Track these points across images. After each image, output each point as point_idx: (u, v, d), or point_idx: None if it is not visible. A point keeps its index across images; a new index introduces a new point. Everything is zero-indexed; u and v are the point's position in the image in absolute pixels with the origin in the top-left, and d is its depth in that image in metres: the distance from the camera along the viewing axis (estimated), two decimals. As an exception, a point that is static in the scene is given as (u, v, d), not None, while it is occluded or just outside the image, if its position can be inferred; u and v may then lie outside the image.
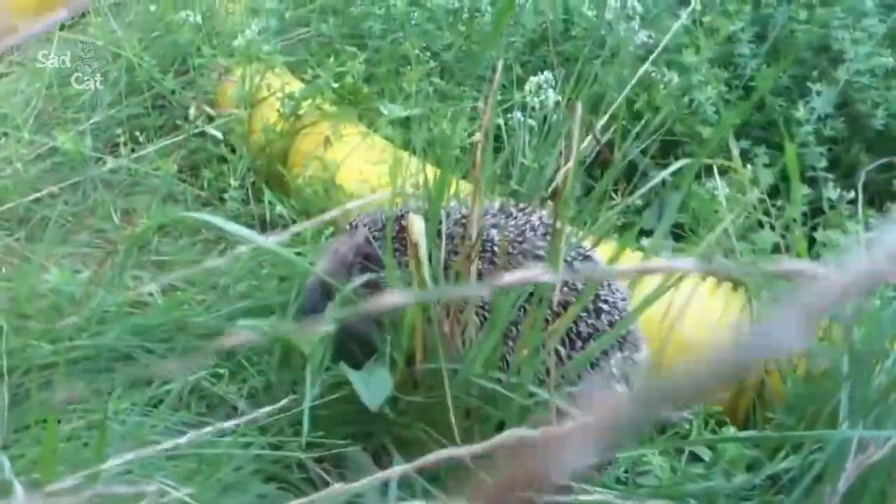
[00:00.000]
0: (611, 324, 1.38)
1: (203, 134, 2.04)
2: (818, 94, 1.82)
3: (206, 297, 1.59)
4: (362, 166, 1.85)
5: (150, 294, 1.58)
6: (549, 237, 1.40)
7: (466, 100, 2.01)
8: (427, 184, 1.57)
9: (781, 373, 1.47)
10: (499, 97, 2.02)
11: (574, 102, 1.25)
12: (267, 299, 1.55)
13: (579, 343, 1.33)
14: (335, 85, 1.95)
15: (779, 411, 1.41)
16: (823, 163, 1.80)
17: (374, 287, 1.30)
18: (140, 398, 1.34)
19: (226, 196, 1.95)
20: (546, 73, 1.75)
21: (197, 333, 1.47)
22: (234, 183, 1.92)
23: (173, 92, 2.10)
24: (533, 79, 1.74)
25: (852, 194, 1.71)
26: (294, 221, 1.87)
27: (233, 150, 2.02)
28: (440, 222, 1.27)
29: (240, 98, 2.03)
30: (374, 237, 1.39)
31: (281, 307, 1.52)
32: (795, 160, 1.50)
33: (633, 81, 1.83)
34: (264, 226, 1.92)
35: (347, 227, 1.47)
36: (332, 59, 1.95)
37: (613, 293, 1.39)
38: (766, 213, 1.76)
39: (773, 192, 1.82)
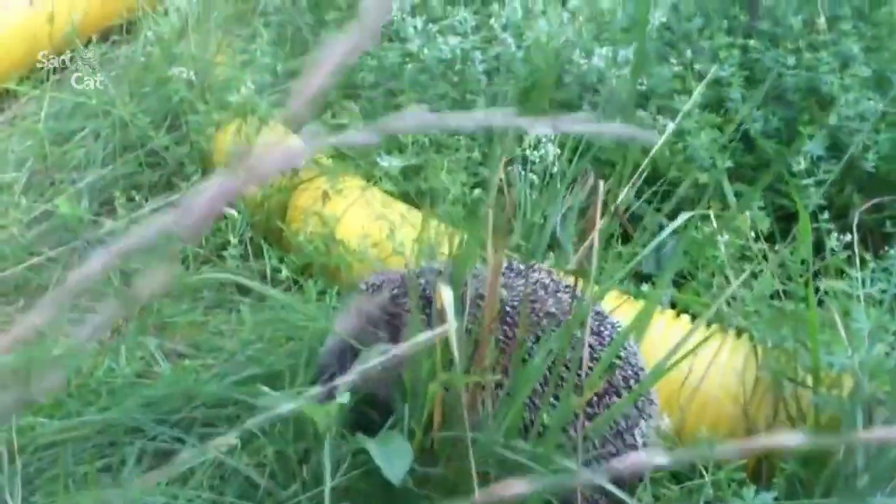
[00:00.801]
0: (624, 379, 1.39)
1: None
2: (810, 137, 1.85)
3: (214, 363, 1.58)
4: (363, 221, 1.86)
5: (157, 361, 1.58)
6: (560, 295, 1.41)
7: (461, 150, 2.02)
8: (450, 248, 1.59)
9: (793, 422, 1.49)
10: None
11: (587, 171, 1.26)
12: (276, 364, 1.54)
13: (595, 399, 1.33)
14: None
15: (791, 462, 1.42)
16: (817, 200, 1.84)
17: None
18: (156, 475, 1.32)
19: (225, 253, 1.95)
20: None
21: (209, 404, 1.46)
22: (233, 240, 1.91)
23: (167, 148, 2.09)
24: (532, 132, 1.75)
25: (848, 237, 1.75)
26: (295, 279, 1.86)
27: (230, 205, 2.02)
28: (464, 288, 1.27)
29: (235, 155, 2.02)
30: (395, 296, 1.38)
31: (291, 371, 1.52)
32: (801, 203, 1.53)
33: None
34: (265, 283, 1.91)
35: (364, 287, 1.46)
36: (328, 112, 1.95)
37: (625, 347, 1.40)
38: (765, 258, 1.78)
39: (769, 235, 1.85)
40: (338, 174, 1.94)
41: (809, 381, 1.48)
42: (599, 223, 1.13)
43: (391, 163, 1.97)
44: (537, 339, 1.30)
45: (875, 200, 1.85)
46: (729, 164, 1.92)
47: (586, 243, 1.15)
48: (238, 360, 1.56)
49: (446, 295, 1.07)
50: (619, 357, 1.38)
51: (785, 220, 1.94)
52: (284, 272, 1.85)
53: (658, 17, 1.96)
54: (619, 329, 1.41)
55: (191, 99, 2.06)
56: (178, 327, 1.70)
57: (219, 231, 2.01)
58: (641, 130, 0.47)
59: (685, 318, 1.69)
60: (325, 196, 1.92)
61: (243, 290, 1.94)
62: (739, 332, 1.67)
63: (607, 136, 1.95)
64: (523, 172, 1.73)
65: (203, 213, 0.43)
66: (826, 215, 1.85)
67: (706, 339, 1.44)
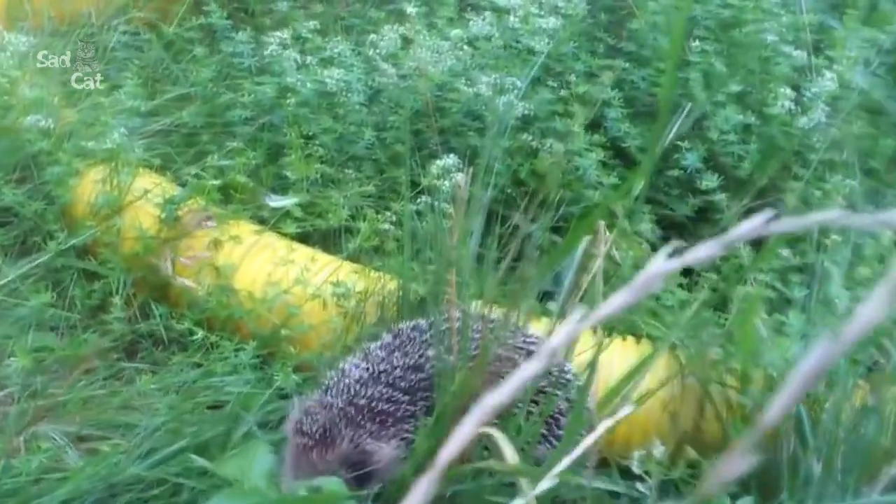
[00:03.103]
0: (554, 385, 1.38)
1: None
2: (687, 150, 1.96)
3: (127, 443, 1.42)
4: (265, 267, 1.74)
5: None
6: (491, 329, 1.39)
7: (351, 183, 1.96)
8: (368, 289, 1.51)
9: (721, 420, 1.55)
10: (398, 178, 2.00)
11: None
12: (201, 433, 1.40)
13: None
14: (216, 182, 1.82)
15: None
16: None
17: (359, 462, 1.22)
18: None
19: (105, 317, 1.76)
20: (452, 156, 1.74)
21: (135, 490, 1.30)
22: (116, 301, 1.73)
23: (21, 205, 1.86)
24: (438, 162, 1.73)
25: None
26: (191, 336, 1.71)
27: (103, 264, 1.83)
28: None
29: (106, 204, 1.84)
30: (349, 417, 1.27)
31: (221, 442, 1.39)
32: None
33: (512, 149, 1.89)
34: (161, 344, 1.75)
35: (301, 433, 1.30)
36: (214, 155, 1.82)
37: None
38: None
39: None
40: (227, 220, 1.81)
41: (733, 381, 1.56)
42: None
43: (284, 203, 1.87)
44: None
45: (747, 205, 1.99)
46: (614, 179, 2.00)
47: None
48: (156, 435, 1.40)
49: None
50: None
51: (668, 228, 2.04)
52: (181, 330, 1.70)
53: (541, 43, 2.00)
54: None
55: (47, 149, 1.85)
56: (74, 407, 1.51)
57: (92, 293, 1.81)
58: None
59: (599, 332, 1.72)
60: (217, 244, 1.79)
61: (132, 356, 1.76)
62: (653, 341, 1.73)
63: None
64: (434, 203, 1.70)
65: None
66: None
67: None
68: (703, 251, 0.45)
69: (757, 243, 1.97)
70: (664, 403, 1.60)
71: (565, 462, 0.50)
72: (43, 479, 1.30)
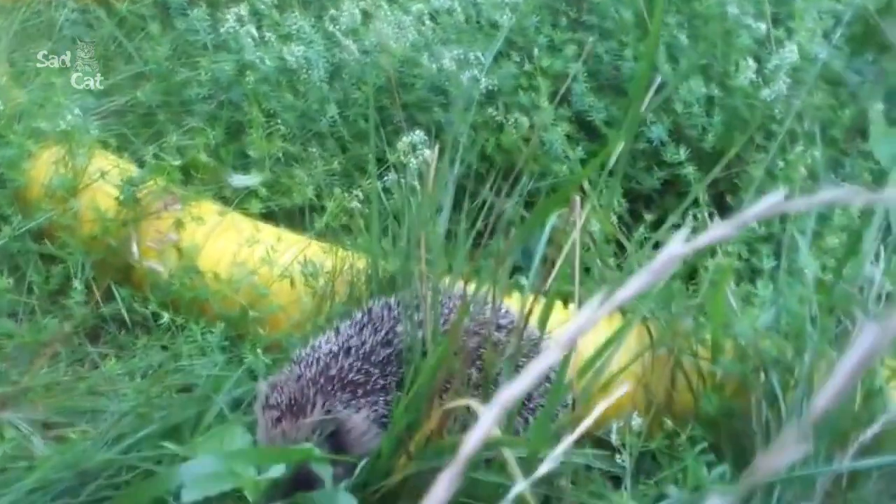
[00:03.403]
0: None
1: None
2: (652, 123, 1.96)
3: (95, 429, 1.38)
4: (230, 248, 1.71)
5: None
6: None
7: (315, 160, 1.92)
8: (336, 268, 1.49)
9: (693, 390, 1.57)
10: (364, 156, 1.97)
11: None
12: (172, 418, 1.37)
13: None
14: (176, 162, 1.78)
15: (695, 427, 1.49)
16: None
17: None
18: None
19: (63, 301, 1.71)
20: (418, 131, 1.72)
21: (105, 476, 1.27)
22: (77, 285, 1.68)
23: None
24: (405, 138, 1.70)
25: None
26: (156, 319, 1.67)
27: (61, 247, 1.77)
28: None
29: (62, 186, 1.78)
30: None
31: (192, 426, 1.36)
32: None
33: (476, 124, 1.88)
34: (125, 328, 1.70)
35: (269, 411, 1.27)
36: (173, 135, 1.77)
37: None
38: (628, 240, 1.86)
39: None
40: (189, 201, 1.77)
41: (704, 352, 1.58)
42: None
43: (247, 182, 1.83)
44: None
45: (713, 176, 2.01)
46: (581, 154, 1.99)
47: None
48: (124, 421, 1.37)
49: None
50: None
51: (634, 201, 2.05)
52: (145, 313, 1.66)
53: (503, 17, 1.98)
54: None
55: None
56: (38, 394, 1.47)
57: (50, 277, 1.76)
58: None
59: (571, 306, 1.72)
60: (179, 225, 1.75)
61: (95, 340, 1.72)
62: (624, 313, 1.74)
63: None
64: (402, 179, 1.67)
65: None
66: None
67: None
68: (717, 231, 0.44)
69: (721, 212, 1.99)
70: (636, 376, 1.61)
71: (576, 433, 0.49)
72: (8, 469, 1.26)
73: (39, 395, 1.46)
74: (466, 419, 1.17)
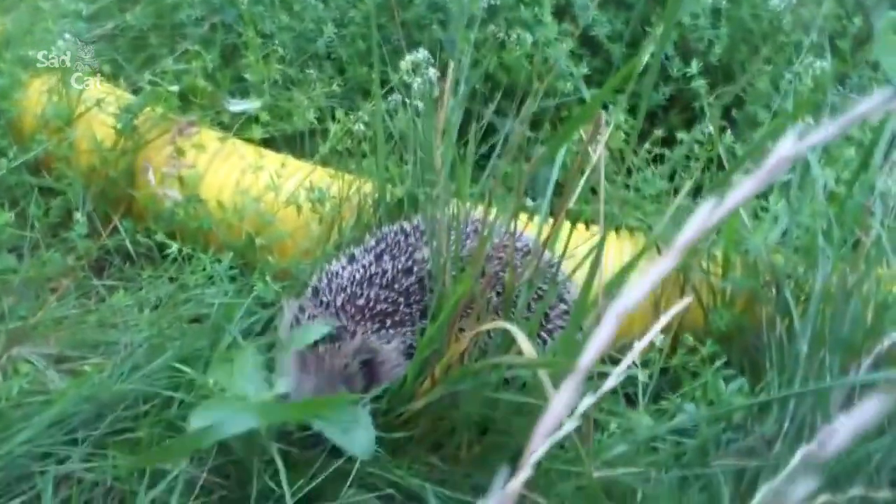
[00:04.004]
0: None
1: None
2: (655, 35, 1.91)
3: (108, 361, 1.38)
4: (233, 175, 1.68)
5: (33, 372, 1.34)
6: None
7: (314, 83, 1.87)
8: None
9: (704, 306, 1.57)
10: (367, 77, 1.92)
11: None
12: (185, 347, 1.36)
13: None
14: (174, 88, 1.73)
15: (708, 343, 1.50)
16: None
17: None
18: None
19: (65, 234, 1.68)
20: (422, 50, 1.67)
21: (122, 407, 1.27)
22: (78, 217, 1.65)
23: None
24: (409, 57, 1.66)
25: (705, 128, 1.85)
26: (161, 250, 1.66)
27: (59, 179, 1.74)
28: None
29: (56, 115, 1.73)
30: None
31: (206, 354, 1.35)
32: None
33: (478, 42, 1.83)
34: (129, 260, 1.68)
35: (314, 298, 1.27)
36: (168, 59, 1.72)
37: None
38: (635, 154, 1.84)
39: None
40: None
41: (715, 269, 1.57)
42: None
43: (245, 107, 1.79)
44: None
45: (719, 91, 1.97)
46: (585, 70, 1.95)
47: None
48: (137, 352, 1.36)
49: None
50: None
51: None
52: (149, 244, 1.64)
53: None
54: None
55: (-15, 59, 1.72)
56: (48, 328, 1.46)
57: (49, 210, 1.73)
58: None
59: (580, 226, 1.71)
60: (180, 152, 1.71)
61: (100, 273, 1.70)
62: (632, 232, 1.73)
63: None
64: (406, 100, 1.63)
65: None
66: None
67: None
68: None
69: (722, 129, 1.96)
70: (649, 295, 1.60)
71: (636, 350, 0.48)
72: (26, 404, 1.26)
73: (50, 329, 1.45)
74: (485, 343, 1.17)
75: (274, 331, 1.44)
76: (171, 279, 1.57)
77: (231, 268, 1.55)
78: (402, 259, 1.26)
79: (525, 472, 0.50)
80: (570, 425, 0.47)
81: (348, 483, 1.09)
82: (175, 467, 1.17)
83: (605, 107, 2.02)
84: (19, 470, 1.20)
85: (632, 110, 1.98)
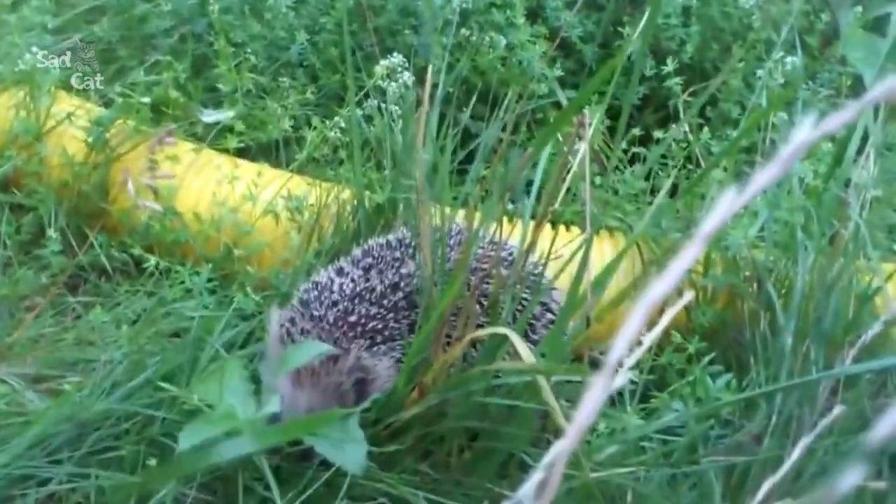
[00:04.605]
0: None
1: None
2: (628, 36, 1.92)
3: (86, 379, 1.35)
4: (209, 186, 1.66)
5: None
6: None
7: (287, 91, 1.86)
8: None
9: (688, 308, 1.57)
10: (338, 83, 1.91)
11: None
12: (166, 363, 1.34)
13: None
14: (145, 100, 1.70)
15: (695, 340, 1.50)
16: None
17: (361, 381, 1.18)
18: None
19: (37, 251, 1.65)
20: (397, 55, 1.66)
21: (104, 426, 1.25)
22: (52, 233, 1.62)
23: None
24: (383, 62, 1.65)
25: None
26: (137, 265, 1.63)
27: (29, 195, 1.71)
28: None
29: (26, 131, 1.70)
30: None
31: (187, 370, 1.33)
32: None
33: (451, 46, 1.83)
34: (104, 275, 1.66)
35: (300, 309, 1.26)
36: (138, 70, 1.69)
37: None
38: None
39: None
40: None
41: (696, 266, 1.58)
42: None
43: (219, 117, 1.77)
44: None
45: (693, 88, 1.98)
46: (559, 72, 1.95)
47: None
48: (117, 370, 1.34)
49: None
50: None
51: (614, 118, 2.02)
52: (124, 259, 1.61)
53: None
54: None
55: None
56: (23, 348, 1.42)
57: (20, 227, 1.70)
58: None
59: (560, 228, 1.71)
60: (154, 164, 1.69)
61: (74, 290, 1.67)
62: (611, 232, 1.73)
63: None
64: (382, 105, 1.62)
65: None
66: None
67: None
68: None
69: (700, 127, 1.97)
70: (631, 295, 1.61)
71: (655, 335, 0.47)
72: (5, 425, 1.23)
73: (26, 349, 1.42)
74: (470, 354, 1.16)
75: (257, 342, 1.42)
76: (149, 294, 1.55)
77: (210, 280, 1.52)
78: (389, 274, 1.25)
79: (539, 475, 0.49)
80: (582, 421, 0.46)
81: (340, 496, 1.08)
82: (163, 486, 1.15)
83: (581, 108, 2.03)
84: (0, 493, 1.17)
85: (606, 111, 1.99)
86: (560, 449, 0.42)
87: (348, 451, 1.08)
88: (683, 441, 1.22)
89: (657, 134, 1.83)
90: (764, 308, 1.40)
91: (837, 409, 0.81)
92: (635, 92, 1.91)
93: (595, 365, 1.49)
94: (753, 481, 1.18)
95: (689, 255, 0.40)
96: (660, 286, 0.40)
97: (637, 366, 1.28)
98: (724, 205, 0.41)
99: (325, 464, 1.10)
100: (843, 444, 1.14)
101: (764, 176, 0.41)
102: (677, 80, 1.86)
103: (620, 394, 1.35)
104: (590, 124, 1.76)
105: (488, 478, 1.15)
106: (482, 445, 1.16)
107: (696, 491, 1.23)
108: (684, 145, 1.80)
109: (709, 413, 1.20)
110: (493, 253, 1.24)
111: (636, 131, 1.78)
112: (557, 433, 1.22)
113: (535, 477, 0.49)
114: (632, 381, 1.24)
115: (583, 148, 1.13)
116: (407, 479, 1.15)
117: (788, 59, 1.88)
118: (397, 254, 1.28)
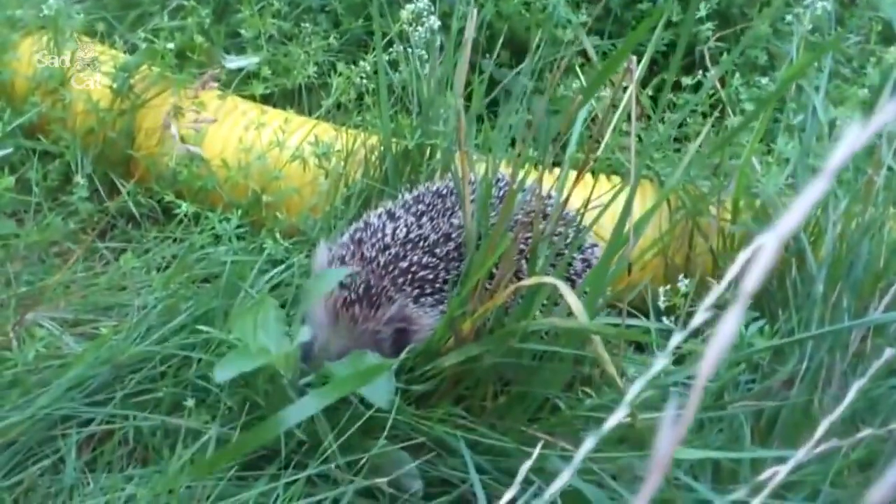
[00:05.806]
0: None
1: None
2: (657, -19, 1.89)
3: (121, 322, 1.37)
4: (236, 132, 1.65)
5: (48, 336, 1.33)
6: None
7: (310, 37, 1.84)
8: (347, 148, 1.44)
9: (714, 251, 1.57)
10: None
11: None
12: (199, 307, 1.35)
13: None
14: (170, 46, 1.69)
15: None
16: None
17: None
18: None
19: (67, 198, 1.65)
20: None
21: (139, 369, 1.26)
22: (79, 179, 1.63)
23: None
24: (409, 6, 1.62)
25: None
26: (164, 209, 1.64)
27: (55, 141, 1.71)
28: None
29: (49, 77, 1.69)
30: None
31: (220, 314, 1.34)
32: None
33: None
34: (132, 221, 1.66)
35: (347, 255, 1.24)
36: (161, 15, 1.67)
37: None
38: (638, 102, 1.82)
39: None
40: (185, 85, 1.69)
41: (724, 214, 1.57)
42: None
43: (243, 63, 1.75)
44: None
45: (720, 34, 1.95)
46: (584, 18, 1.93)
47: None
48: (151, 314, 1.35)
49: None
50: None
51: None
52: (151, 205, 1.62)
53: None
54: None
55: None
56: (56, 293, 1.44)
57: (48, 174, 1.70)
58: None
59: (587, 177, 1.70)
60: (178, 112, 1.68)
61: (103, 235, 1.68)
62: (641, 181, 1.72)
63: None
64: (409, 50, 1.61)
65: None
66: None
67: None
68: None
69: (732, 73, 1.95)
70: (655, 243, 1.60)
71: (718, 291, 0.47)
72: (43, 368, 1.25)
73: (60, 294, 1.43)
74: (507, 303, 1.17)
75: (286, 287, 1.43)
76: (177, 240, 1.56)
77: (239, 226, 1.53)
78: (441, 223, 1.24)
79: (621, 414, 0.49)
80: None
81: (381, 436, 1.09)
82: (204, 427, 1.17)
83: (605, 55, 2.00)
84: (41, 434, 1.19)
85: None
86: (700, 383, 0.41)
87: (377, 386, 1.09)
88: (714, 386, 1.23)
89: (685, 80, 1.81)
90: (795, 256, 1.40)
91: (889, 352, 0.81)
92: (661, 39, 1.89)
93: (632, 314, 1.49)
94: (783, 426, 1.20)
95: (818, 188, 0.40)
96: (790, 219, 0.40)
97: (671, 312, 1.29)
98: (850, 139, 0.40)
99: (365, 403, 1.11)
100: (874, 389, 1.15)
101: (889, 111, 0.40)
102: (708, 24, 1.83)
103: (645, 343, 1.35)
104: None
105: (522, 422, 1.16)
106: (516, 390, 1.18)
107: (724, 435, 1.24)
108: (712, 92, 1.78)
109: (740, 359, 1.21)
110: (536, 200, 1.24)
111: (666, 77, 1.75)
112: (589, 379, 1.24)
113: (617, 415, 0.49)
114: (667, 328, 1.25)
115: (629, 94, 1.12)
116: (444, 420, 1.16)
117: (819, 3, 1.84)
118: (448, 203, 1.27)
